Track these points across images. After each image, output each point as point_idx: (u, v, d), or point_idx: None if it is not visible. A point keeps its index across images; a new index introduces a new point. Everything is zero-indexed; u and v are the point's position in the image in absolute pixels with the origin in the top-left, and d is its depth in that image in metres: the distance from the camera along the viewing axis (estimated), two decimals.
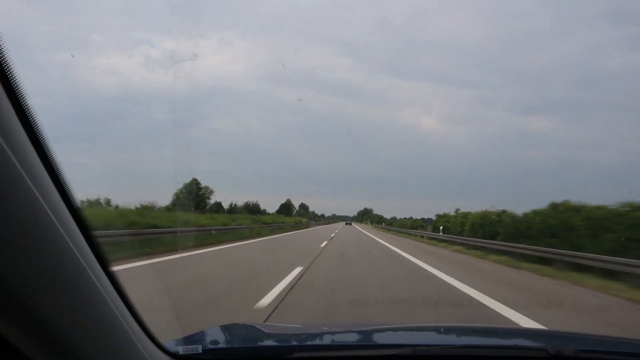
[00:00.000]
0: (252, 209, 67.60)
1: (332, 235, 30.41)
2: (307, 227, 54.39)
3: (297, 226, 50.43)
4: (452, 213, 30.87)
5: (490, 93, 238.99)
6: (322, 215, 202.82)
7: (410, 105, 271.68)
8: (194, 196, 53.06)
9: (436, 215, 34.28)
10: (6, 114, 0.54)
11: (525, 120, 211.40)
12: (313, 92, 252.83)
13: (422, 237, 31.79)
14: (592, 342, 1.70)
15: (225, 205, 62.78)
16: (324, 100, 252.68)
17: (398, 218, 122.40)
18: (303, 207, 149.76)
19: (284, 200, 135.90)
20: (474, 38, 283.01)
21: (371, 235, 33.73)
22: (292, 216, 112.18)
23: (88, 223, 0.71)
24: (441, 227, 27.61)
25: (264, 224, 34.23)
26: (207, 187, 59.74)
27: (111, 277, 0.77)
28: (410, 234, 37.33)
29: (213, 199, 61.22)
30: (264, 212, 76.63)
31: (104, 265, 0.75)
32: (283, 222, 46.70)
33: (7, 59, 0.56)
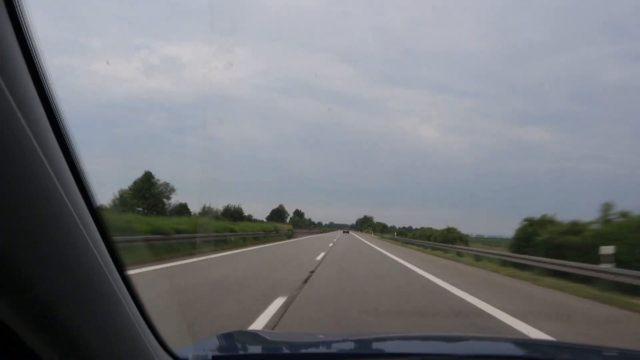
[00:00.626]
0: (233, 214, 56.58)
1: (319, 257, 15.82)
2: (288, 238, 38.22)
3: (267, 238, 31.68)
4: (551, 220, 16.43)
5: (489, 104, 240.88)
6: (319, 224, 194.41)
7: (409, 115, 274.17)
8: (145, 194, 42.88)
9: (525, 220, 17.47)
10: (36, 112, 0.55)
11: (522, 131, 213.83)
12: (313, 101, 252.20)
13: (501, 263, 15.69)
14: (602, 355, 1.67)
15: (197, 209, 51.75)
16: (322, 109, 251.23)
17: (397, 227, 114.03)
18: (298, 213, 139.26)
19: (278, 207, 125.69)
20: (473, 49, 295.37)
21: (398, 260, 17.00)
22: (286, 223, 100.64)
23: (107, 225, 0.70)
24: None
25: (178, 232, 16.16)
26: (166, 184, 48.33)
27: (127, 280, 0.76)
28: (457, 254, 21.14)
29: (174, 199, 50.40)
30: (248, 218, 65.51)
31: (121, 268, 0.74)
32: (233, 231, 24.39)
33: (41, 59, 0.57)
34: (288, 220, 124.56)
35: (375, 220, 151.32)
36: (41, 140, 0.54)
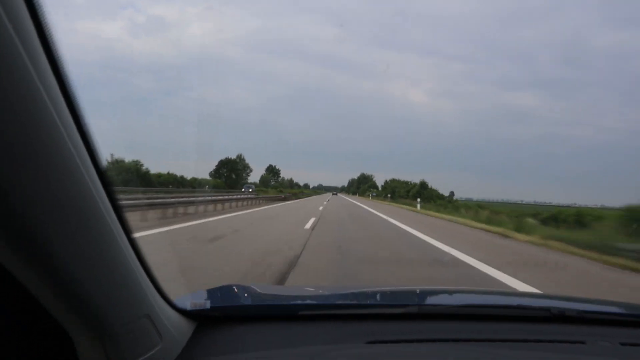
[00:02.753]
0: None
1: None
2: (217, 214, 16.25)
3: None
4: None
5: (478, 68, 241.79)
6: (306, 186, 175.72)
7: (398, 78, 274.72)
8: None
9: None
10: (44, 68, 0.55)
11: (512, 97, 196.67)
12: (301, 63, 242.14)
13: None
14: (594, 305, 1.69)
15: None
16: (312, 72, 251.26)
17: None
18: (272, 170, 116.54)
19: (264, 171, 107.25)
20: (464, 11, 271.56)
21: None
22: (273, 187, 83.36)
23: (112, 187, 0.73)
24: None
25: None
26: None
27: (129, 235, 0.80)
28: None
29: None
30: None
31: (126, 228, 0.78)
32: None
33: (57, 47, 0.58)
34: (259, 180, 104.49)
35: (376, 179, 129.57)
36: (51, 94, 0.55)
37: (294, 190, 79.84)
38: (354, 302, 1.52)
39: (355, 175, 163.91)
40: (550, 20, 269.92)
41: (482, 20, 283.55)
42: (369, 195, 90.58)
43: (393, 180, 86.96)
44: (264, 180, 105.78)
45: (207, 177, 71.43)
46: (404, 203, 41.62)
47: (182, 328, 1.05)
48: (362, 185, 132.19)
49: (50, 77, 0.56)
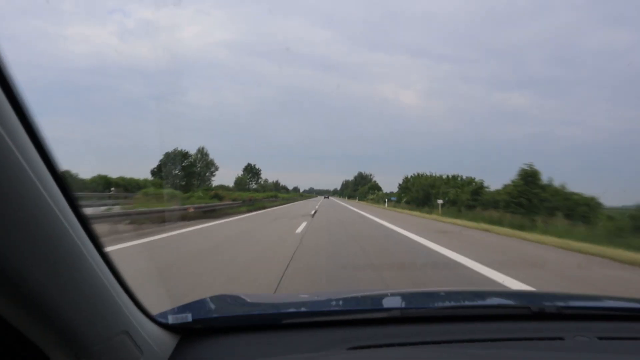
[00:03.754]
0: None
1: None
2: None
3: None
4: None
5: (468, 68, 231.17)
6: (296, 189, 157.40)
7: (389, 79, 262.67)
8: None
9: None
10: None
11: (503, 97, 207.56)
12: (291, 65, 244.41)
13: None
14: (574, 300, 1.73)
15: None
16: (303, 74, 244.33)
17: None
18: (251, 170, 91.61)
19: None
20: (453, 12, 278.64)
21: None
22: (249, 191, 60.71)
23: (75, 198, 0.70)
24: None
25: None
26: None
27: (99, 248, 0.78)
28: None
29: None
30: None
31: (96, 243, 0.76)
32: None
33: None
34: (233, 182, 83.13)
35: (375, 179, 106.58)
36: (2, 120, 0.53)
37: (256, 195, 47.25)
38: (338, 308, 1.50)
39: (350, 177, 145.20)
40: (540, 19, 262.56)
41: (470, 20, 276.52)
42: (371, 199, 64.88)
43: (419, 177, 43.94)
44: (239, 182, 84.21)
45: (149, 176, 50.91)
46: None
47: (164, 342, 1.03)
48: (359, 187, 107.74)
49: None
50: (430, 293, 1.95)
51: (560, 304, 1.38)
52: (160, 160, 52.20)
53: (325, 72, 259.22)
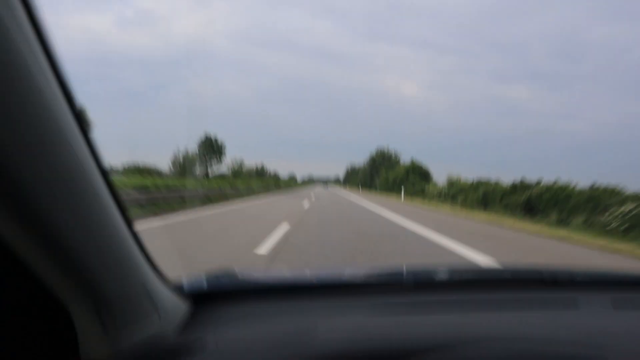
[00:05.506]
0: None
1: None
2: None
3: None
4: None
5: (471, 61, 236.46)
6: (293, 179, 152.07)
7: (391, 70, 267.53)
8: None
9: None
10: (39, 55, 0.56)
11: (504, 89, 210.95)
12: (293, 56, 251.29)
13: None
14: (585, 271, 1.75)
15: None
16: (304, 64, 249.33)
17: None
18: (211, 144, 62.00)
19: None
20: (456, 4, 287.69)
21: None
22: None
23: (111, 178, 0.74)
24: None
25: None
26: None
27: (130, 225, 0.82)
28: None
29: None
30: None
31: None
32: None
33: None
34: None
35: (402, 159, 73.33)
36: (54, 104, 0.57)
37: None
38: (354, 277, 1.53)
39: (356, 163, 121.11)
40: (544, 12, 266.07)
41: (475, 13, 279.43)
42: (436, 195, 30.59)
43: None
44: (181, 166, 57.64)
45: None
46: None
47: (179, 307, 1.07)
48: (382, 170, 68.86)
49: (49, 73, 0.57)
50: (442, 266, 1.87)
51: (572, 273, 1.43)
52: None
53: (327, 62, 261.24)
